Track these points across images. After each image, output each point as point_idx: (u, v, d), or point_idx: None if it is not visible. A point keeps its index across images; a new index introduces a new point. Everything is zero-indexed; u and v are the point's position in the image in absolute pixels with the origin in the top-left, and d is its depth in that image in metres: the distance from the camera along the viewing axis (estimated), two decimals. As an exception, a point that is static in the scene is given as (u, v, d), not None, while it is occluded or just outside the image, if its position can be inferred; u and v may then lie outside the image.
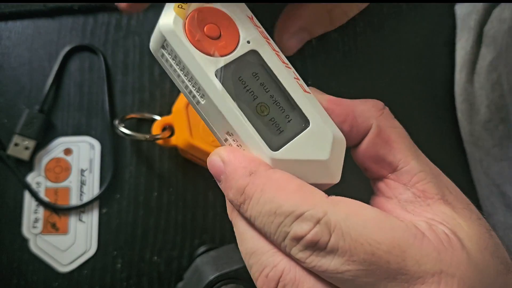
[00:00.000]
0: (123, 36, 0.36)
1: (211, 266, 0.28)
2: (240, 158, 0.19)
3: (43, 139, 0.34)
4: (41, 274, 0.32)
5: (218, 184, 0.20)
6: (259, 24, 0.22)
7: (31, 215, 0.33)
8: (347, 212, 0.16)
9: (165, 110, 0.34)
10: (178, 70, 0.20)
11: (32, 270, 0.32)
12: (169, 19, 0.20)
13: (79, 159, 0.34)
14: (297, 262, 0.17)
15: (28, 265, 0.32)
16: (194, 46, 0.20)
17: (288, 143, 0.20)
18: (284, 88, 0.20)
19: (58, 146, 0.34)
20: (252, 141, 0.19)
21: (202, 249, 0.31)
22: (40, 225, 0.33)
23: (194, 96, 0.20)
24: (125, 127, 0.32)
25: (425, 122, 0.36)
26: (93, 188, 0.33)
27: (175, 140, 0.32)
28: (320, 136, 0.20)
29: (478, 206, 0.35)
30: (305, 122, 0.20)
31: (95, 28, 0.36)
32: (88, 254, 0.33)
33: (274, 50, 0.21)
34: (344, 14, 0.29)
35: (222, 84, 0.19)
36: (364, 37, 0.36)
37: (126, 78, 0.35)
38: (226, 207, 0.35)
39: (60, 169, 0.34)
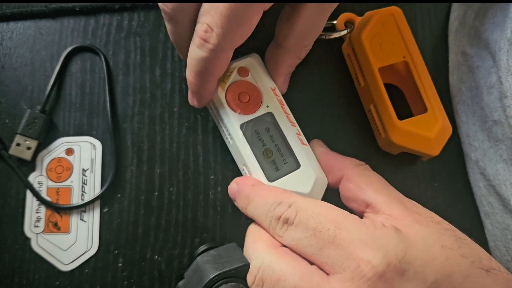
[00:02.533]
0: (124, 37, 0.36)
1: (212, 264, 0.28)
2: (247, 179, 0.29)
3: (45, 139, 0.34)
4: (42, 273, 0.33)
5: (234, 203, 0.30)
6: (278, 93, 0.31)
7: (33, 215, 0.33)
8: (309, 201, 0.26)
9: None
10: (219, 119, 0.30)
11: (34, 269, 0.33)
12: (217, 87, 0.30)
13: (80, 159, 0.34)
14: (280, 241, 0.26)
15: (29, 264, 0.33)
16: (229, 106, 0.29)
17: (281, 178, 0.29)
18: (287, 140, 0.29)
19: (59, 146, 0.34)
20: (257, 173, 0.29)
21: (202, 248, 0.32)
22: (41, 224, 0.33)
23: (226, 138, 0.31)
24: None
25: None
26: (94, 188, 0.34)
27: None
28: (306, 176, 0.29)
29: (475, 207, 0.35)
30: (297, 166, 0.29)
31: (96, 29, 0.36)
32: (89, 253, 0.33)
33: (285, 112, 0.30)
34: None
35: (243, 133, 0.29)
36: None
37: (127, 79, 0.35)
38: (226, 207, 0.35)
39: (61, 169, 0.34)
